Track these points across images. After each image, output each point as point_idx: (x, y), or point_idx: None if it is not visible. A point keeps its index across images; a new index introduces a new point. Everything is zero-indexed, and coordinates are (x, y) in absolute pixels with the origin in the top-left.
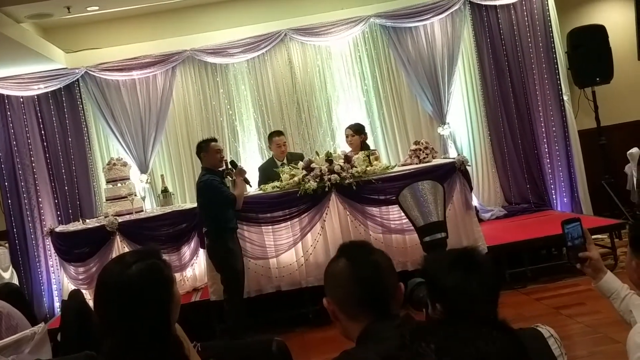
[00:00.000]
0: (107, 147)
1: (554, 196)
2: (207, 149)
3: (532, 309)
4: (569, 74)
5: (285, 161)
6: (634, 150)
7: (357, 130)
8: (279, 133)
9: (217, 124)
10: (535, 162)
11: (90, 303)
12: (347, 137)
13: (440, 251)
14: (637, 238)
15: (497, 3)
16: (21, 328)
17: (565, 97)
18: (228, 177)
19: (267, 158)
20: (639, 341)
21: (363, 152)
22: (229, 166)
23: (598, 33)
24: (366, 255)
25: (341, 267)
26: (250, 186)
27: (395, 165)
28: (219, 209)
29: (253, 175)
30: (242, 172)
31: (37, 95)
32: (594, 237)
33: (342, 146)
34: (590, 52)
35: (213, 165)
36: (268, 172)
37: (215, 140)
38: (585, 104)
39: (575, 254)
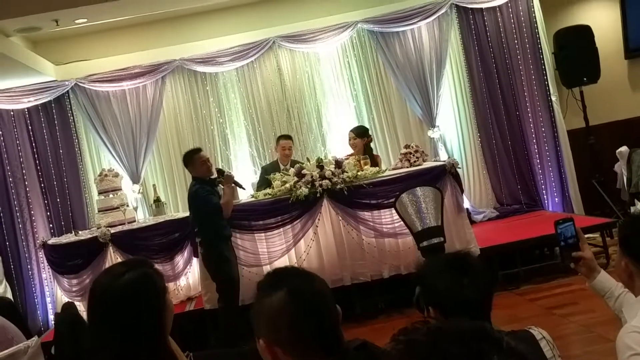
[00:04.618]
0: (99, 158)
1: (545, 196)
2: (192, 162)
3: (526, 310)
4: (556, 75)
5: (289, 166)
6: (623, 148)
7: (359, 134)
8: (286, 137)
9: (208, 133)
10: (525, 162)
11: (84, 315)
12: (349, 139)
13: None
14: (626, 238)
15: (483, 6)
16: (17, 342)
17: (553, 98)
18: (220, 185)
19: (262, 163)
20: (628, 342)
21: (354, 157)
22: (219, 175)
23: (584, 33)
24: (309, 284)
25: (281, 302)
26: (244, 189)
27: (386, 169)
28: (210, 218)
29: (247, 180)
30: (229, 179)
31: (28, 108)
32: (585, 236)
33: (333, 151)
34: (577, 53)
35: (202, 175)
36: (269, 174)
37: (199, 150)
38: (573, 104)
39: (568, 254)
